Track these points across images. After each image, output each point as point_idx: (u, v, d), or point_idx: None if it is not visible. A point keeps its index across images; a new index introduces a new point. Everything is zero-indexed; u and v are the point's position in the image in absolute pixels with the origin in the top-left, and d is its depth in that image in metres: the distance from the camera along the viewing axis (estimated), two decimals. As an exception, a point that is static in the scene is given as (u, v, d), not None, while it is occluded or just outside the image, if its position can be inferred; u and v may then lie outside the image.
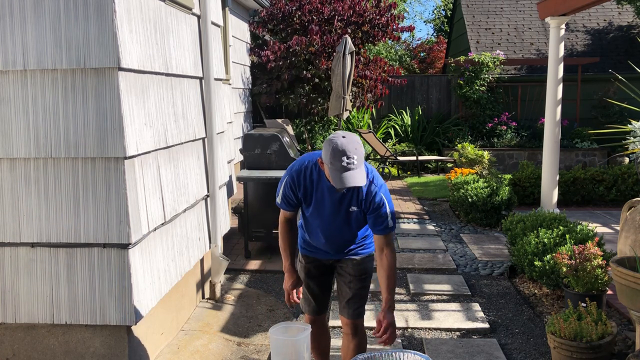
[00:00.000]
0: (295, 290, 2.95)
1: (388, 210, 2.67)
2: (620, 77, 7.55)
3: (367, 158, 11.24)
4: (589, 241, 4.24)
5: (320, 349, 3.17)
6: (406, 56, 19.86)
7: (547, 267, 4.47)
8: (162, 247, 3.41)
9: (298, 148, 7.24)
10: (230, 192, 5.61)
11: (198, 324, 4.03)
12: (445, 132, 12.30)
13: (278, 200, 2.85)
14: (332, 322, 4.26)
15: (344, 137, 2.49)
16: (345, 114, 9.68)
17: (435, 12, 25.43)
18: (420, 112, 12.75)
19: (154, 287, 3.25)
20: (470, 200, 7.04)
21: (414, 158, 11.31)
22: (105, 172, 2.96)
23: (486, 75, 11.85)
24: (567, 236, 4.61)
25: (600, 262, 4.05)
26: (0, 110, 2.95)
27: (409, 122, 12.69)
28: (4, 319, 3.09)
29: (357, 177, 2.47)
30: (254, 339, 4.00)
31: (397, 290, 4.91)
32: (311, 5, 9.93)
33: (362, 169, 2.50)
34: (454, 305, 4.59)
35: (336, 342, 3.96)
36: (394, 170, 11.26)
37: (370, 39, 10.44)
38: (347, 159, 2.43)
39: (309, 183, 2.72)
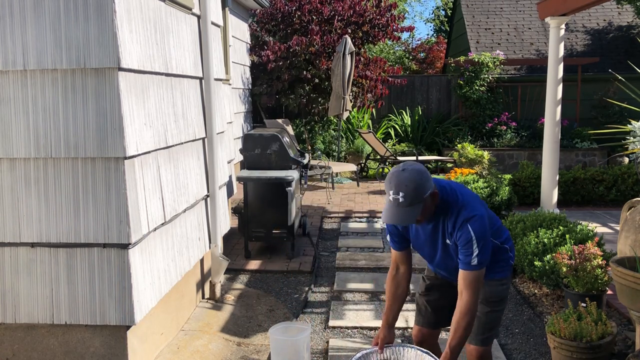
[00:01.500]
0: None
1: (475, 246, 2.40)
2: (620, 77, 7.55)
3: (367, 158, 11.25)
4: (589, 241, 4.24)
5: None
6: (405, 57, 19.86)
7: (547, 267, 4.47)
8: (162, 247, 3.41)
9: (298, 148, 7.24)
10: (230, 192, 5.62)
11: (198, 324, 4.03)
12: (445, 132, 12.30)
13: (387, 237, 2.76)
14: (333, 322, 4.26)
15: (402, 170, 2.37)
16: (345, 114, 9.71)
17: (435, 12, 25.43)
18: (420, 112, 12.75)
19: (154, 287, 3.25)
20: (470, 200, 7.03)
21: (413, 158, 11.29)
22: (105, 172, 2.96)
23: (486, 75, 11.86)
24: (567, 236, 4.61)
25: (600, 262, 4.05)
26: (0, 111, 2.96)
27: (409, 122, 12.69)
28: (4, 319, 3.09)
29: (398, 216, 2.35)
30: (254, 339, 4.00)
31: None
32: (311, 5, 9.94)
33: (412, 208, 2.33)
34: (454, 305, 4.58)
35: (337, 342, 3.96)
36: (394, 170, 11.23)
37: (371, 39, 10.44)
38: (393, 194, 2.33)
39: None
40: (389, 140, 12.39)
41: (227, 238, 5.40)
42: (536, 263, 4.55)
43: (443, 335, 4.10)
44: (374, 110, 12.21)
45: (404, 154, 11.67)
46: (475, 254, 2.41)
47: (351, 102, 10.07)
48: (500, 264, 2.70)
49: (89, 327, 3.09)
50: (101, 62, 2.87)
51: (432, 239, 2.60)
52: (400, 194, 2.32)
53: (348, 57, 9.03)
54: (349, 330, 4.16)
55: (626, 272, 3.11)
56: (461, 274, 2.46)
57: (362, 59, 10.49)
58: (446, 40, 18.83)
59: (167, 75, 3.59)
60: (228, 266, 4.66)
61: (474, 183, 7.34)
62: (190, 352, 3.61)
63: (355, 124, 12.25)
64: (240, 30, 9.32)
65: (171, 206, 3.54)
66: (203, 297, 4.50)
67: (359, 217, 7.51)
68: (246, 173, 5.70)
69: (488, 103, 12.04)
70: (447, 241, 2.53)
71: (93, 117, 2.92)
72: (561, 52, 6.77)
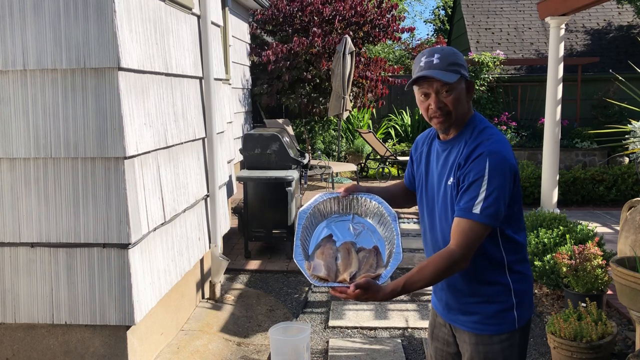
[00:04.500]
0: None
1: (484, 187, 1.76)
2: (620, 77, 7.55)
3: (367, 158, 11.25)
4: (589, 241, 4.24)
5: None
6: (405, 57, 19.86)
7: (547, 267, 4.47)
8: (162, 247, 3.41)
9: (298, 148, 7.24)
10: (230, 192, 5.61)
11: (198, 324, 4.03)
12: (445, 132, 12.28)
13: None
14: (333, 322, 4.26)
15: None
16: (345, 114, 9.70)
17: (434, 12, 25.43)
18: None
19: (154, 287, 3.25)
20: (470, 200, 7.03)
21: (414, 158, 11.30)
22: (105, 172, 2.96)
23: (486, 75, 11.85)
24: (567, 236, 4.61)
25: (600, 262, 4.05)
26: (0, 110, 2.96)
27: (409, 122, 12.69)
28: (3, 319, 3.09)
29: (432, 72, 1.83)
30: (254, 339, 4.00)
31: (397, 290, 4.90)
32: (313, 6, 9.93)
33: (446, 73, 1.82)
34: (454, 305, 4.58)
35: (337, 342, 3.96)
36: (393, 170, 11.25)
37: (371, 39, 10.43)
38: (425, 59, 1.85)
39: (427, 144, 2.10)
40: (389, 140, 12.39)
41: (227, 238, 5.40)
42: (536, 263, 4.55)
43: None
44: (374, 110, 12.21)
45: (404, 153, 11.67)
46: (481, 198, 1.76)
47: (351, 102, 10.07)
48: (505, 301, 1.92)
49: (89, 327, 3.09)
50: (101, 62, 2.87)
51: (440, 175, 1.98)
52: (435, 55, 1.84)
53: (348, 57, 9.02)
54: (349, 330, 4.15)
55: (626, 272, 3.11)
56: (454, 222, 1.81)
57: (362, 59, 10.49)
58: (446, 40, 18.83)
59: (167, 75, 3.59)
60: (228, 266, 4.65)
61: (474, 183, 7.34)
62: (190, 352, 3.61)
63: (355, 124, 12.25)
64: (240, 30, 9.32)
65: (171, 206, 3.54)
66: (203, 297, 4.49)
67: (359, 217, 7.49)
68: (246, 173, 5.70)
69: (488, 103, 12.04)
70: (450, 179, 1.89)
71: (93, 117, 2.92)
72: (561, 52, 6.77)
